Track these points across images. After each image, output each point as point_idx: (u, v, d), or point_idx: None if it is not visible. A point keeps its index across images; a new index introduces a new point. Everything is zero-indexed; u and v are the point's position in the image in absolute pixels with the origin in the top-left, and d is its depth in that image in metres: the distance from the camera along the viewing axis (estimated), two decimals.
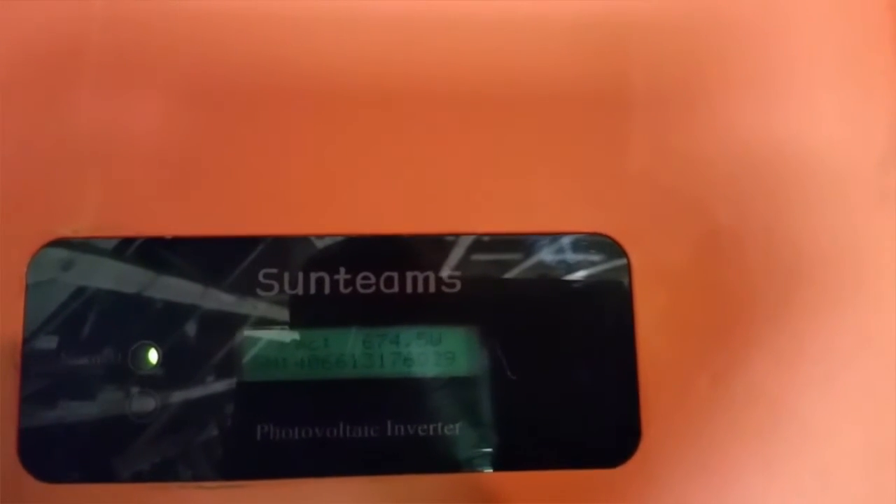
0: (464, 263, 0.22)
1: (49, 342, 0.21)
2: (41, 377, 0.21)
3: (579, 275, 0.22)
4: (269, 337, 0.21)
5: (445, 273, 0.22)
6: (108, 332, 0.21)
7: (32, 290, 0.21)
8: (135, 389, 0.21)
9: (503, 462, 0.21)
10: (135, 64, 0.22)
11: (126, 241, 0.21)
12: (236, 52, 0.22)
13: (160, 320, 0.21)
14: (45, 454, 0.21)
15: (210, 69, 0.22)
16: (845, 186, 0.23)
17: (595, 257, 0.22)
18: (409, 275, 0.22)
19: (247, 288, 0.21)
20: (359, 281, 0.21)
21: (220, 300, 0.21)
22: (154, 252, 0.21)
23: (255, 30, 0.22)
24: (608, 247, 0.22)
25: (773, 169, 0.23)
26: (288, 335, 0.21)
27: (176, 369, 0.21)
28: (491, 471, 0.21)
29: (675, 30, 0.23)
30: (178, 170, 0.22)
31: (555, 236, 0.22)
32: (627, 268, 0.22)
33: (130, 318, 0.21)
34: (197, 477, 0.21)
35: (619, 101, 0.23)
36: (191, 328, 0.21)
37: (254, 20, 0.23)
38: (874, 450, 0.22)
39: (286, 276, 0.21)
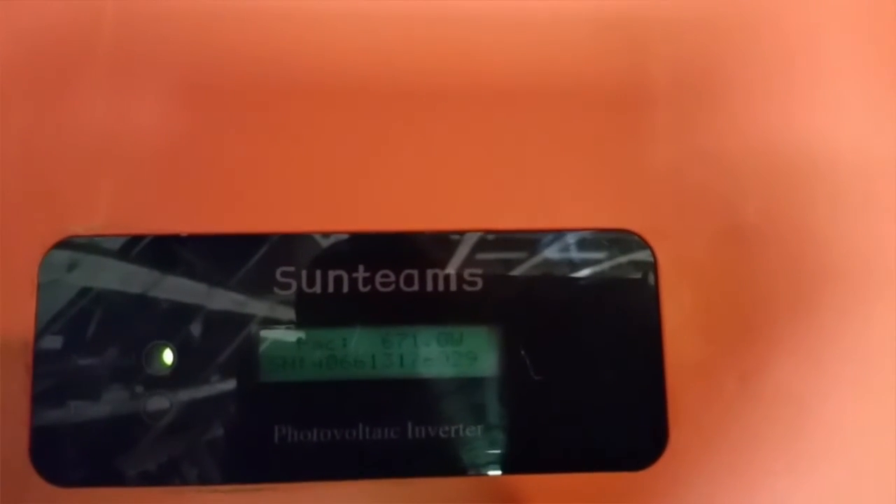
0: (486, 261, 0.21)
1: (60, 342, 0.20)
2: (53, 378, 0.20)
3: (605, 273, 0.21)
4: (287, 336, 0.21)
5: (467, 271, 0.21)
6: (121, 332, 0.21)
7: (45, 289, 0.20)
8: (149, 391, 0.20)
9: (526, 465, 0.21)
10: (144, 62, 0.22)
11: (137, 240, 0.21)
12: (249, 50, 0.22)
13: (175, 320, 0.21)
14: (57, 457, 0.20)
15: (222, 67, 0.22)
16: (873, 186, 0.22)
17: (621, 254, 0.21)
18: (430, 273, 0.21)
19: (264, 286, 0.21)
20: (378, 279, 0.21)
21: (237, 299, 0.21)
22: (168, 250, 0.21)
23: (265, 28, 0.22)
24: (634, 244, 0.21)
25: (798, 167, 0.22)
26: (305, 335, 0.21)
27: (191, 370, 0.20)
28: (514, 474, 0.21)
29: (697, 25, 0.23)
30: (192, 168, 0.21)
31: (581, 233, 0.21)
32: (654, 265, 0.21)
33: (144, 318, 0.21)
34: (212, 480, 0.20)
35: (642, 97, 0.22)
36: (206, 328, 0.21)
37: (264, 17, 0.22)
38: None
39: (304, 274, 0.21)
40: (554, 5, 0.23)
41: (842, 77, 0.23)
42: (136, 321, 0.21)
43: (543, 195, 0.22)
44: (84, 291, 0.21)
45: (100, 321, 0.20)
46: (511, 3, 0.23)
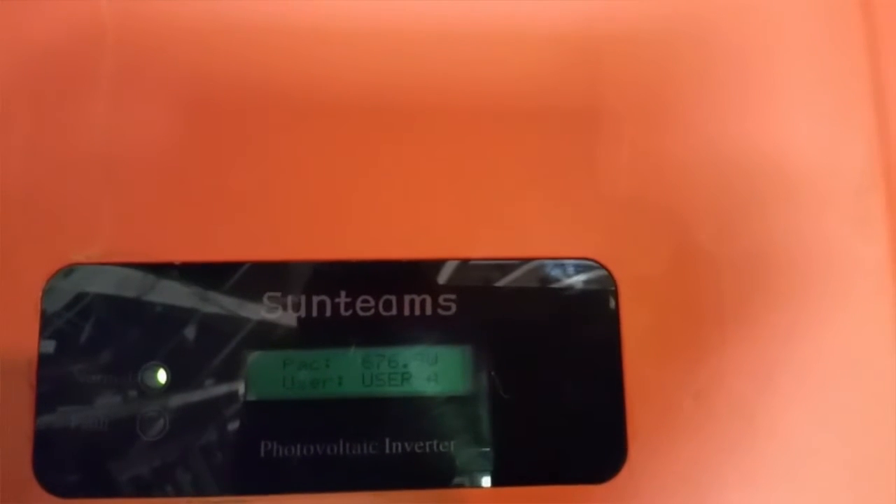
0: (458, 287, 0.23)
1: (61, 360, 0.22)
2: (54, 395, 0.22)
3: (569, 298, 0.23)
4: (273, 357, 0.22)
5: (441, 296, 0.23)
6: (117, 351, 0.22)
7: (47, 310, 0.22)
8: (143, 407, 0.22)
9: (495, 477, 0.22)
10: (142, 89, 0.23)
11: (134, 266, 0.22)
12: (246, 82, 0.23)
13: (168, 341, 0.22)
14: (58, 470, 0.21)
15: (212, 99, 0.23)
16: (824, 211, 0.24)
17: (583, 281, 0.23)
18: (407, 298, 0.23)
19: (252, 311, 0.22)
20: (359, 304, 0.23)
21: (227, 322, 0.22)
22: (162, 275, 0.22)
23: (255, 63, 0.23)
24: (596, 271, 0.23)
25: (752, 193, 0.24)
26: (291, 356, 0.22)
27: (183, 388, 0.22)
28: (484, 486, 0.22)
29: (657, 53, 0.24)
30: (185, 197, 0.23)
31: (547, 261, 0.23)
32: (614, 291, 0.23)
33: (139, 337, 0.22)
34: (202, 492, 0.22)
35: (603, 123, 0.24)
36: (198, 349, 0.22)
37: (262, 53, 0.24)
38: (849, 464, 0.23)
39: (289, 298, 0.22)
40: (512, 32, 0.24)
41: (793, 106, 0.24)
42: (132, 341, 0.22)
43: (511, 225, 0.23)
44: (89, 311, 0.22)
45: (104, 340, 0.22)
46: (484, 29, 0.24)
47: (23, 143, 0.23)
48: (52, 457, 0.21)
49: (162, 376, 0.22)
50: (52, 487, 0.21)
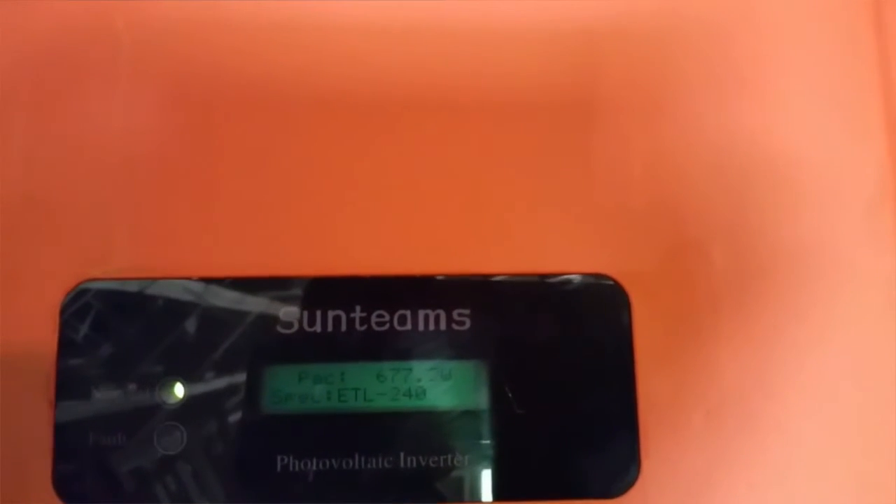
0: (473, 302, 0.23)
1: (80, 377, 0.22)
2: (72, 411, 0.22)
3: (581, 314, 0.23)
4: (289, 372, 0.22)
5: (455, 311, 0.23)
6: (135, 367, 0.22)
7: (66, 327, 0.22)
8: (161, 422, 0.22)
9: (509, 492, 0.22)
10: (158, 102, 0.23)
11: (152, 283, 0.22)
12: (273, 95, 0.24)
13: (186, 356, 0.22)
14: (77, 481, 0.22)
15: (234, 111, 0.23)
16: (835, 225, 0.24)
17: (597, 297, 0.23)
18: (421, 313, 0.23)
19: (268, 326, 0.22)
20: (374, 319, 0.23)
21: (243, 336, 0.22)
22: (180, 290, 0.23)
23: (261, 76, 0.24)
24: (610, 288, 0.23)
25: (764, 208, 0.24)
26: (306, 369, 0.23)
27: (200, 403, 0.22)
28: (498, 501, 0.22)
29: (670, 59, 0.24)
30: (202, 213, 0.23)
31: (558, 277, 0.23)
32: (628, 307, 0.23)
33: (157, 353, 0.22)
34: None
35: (612, 137, 0.24)
36: (213, 363, 0.22)
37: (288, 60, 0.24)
38: (862, 478, 0.23)
39: (305, 314, 0.23)
40: (506, 31, 0.24)
41: (810, 109, 0.24)
42: (150, 357, 0.22)
43: (525, 241, 0.23)
44: (106, 326, 0.22)
45: (122, 356, 0.22)
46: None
47: (32, 154, 0.23)
48: (71, 468, 0.22)
49: (179, 390, 0.22)
50: (70, 498, 0.22)
